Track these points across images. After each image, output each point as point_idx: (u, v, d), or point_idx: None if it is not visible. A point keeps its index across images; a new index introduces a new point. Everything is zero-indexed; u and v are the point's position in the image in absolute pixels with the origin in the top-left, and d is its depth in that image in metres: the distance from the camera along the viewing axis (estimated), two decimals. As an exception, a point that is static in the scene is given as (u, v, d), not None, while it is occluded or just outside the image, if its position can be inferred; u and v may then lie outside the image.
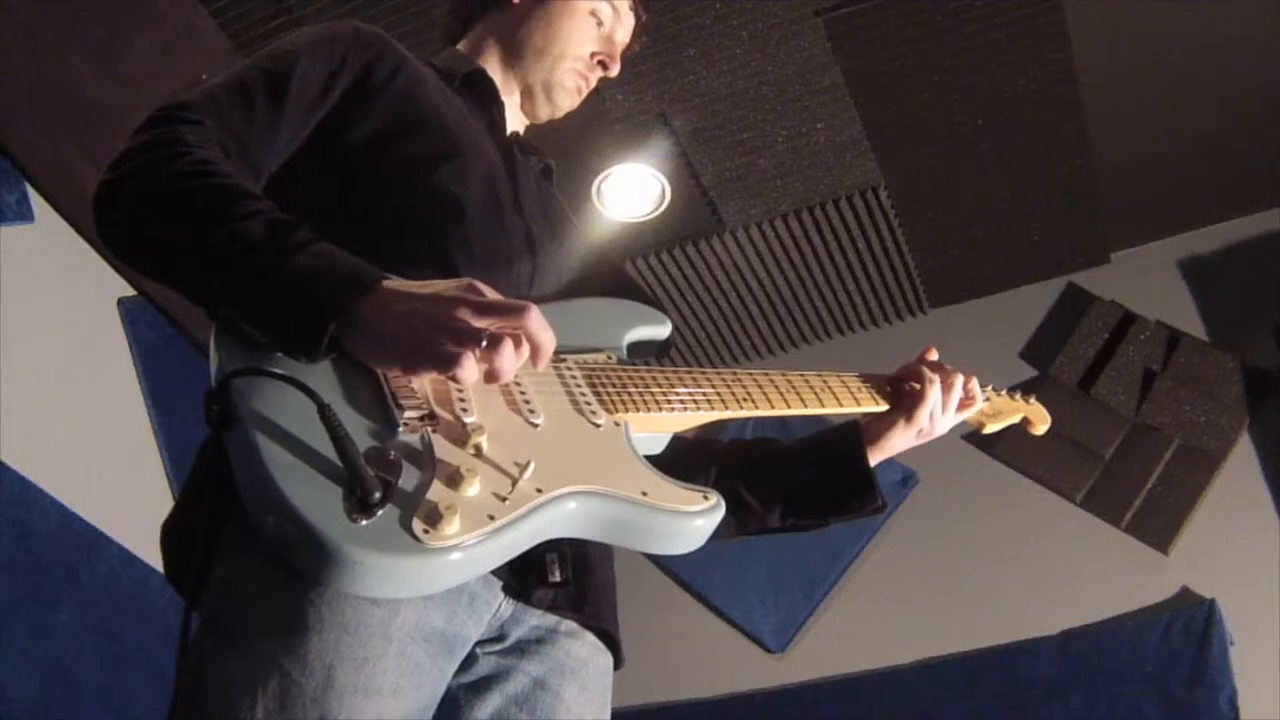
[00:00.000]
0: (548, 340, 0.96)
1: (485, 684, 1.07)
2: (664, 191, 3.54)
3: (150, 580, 2.77)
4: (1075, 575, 3.44)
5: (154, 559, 2.76)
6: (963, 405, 1.42)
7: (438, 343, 0.92)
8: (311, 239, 0.98)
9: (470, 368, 0.91)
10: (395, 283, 0.97)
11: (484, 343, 0.92)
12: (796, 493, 1.38)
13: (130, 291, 3.17)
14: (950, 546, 3.65)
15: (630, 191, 3.55)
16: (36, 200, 2.87)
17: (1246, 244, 3.75)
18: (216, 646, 0.95)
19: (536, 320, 0.95)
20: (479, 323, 0.93)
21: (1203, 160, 3.53)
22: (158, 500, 2.93)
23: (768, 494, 1.37)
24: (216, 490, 0.98)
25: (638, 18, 1.53)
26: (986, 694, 3.33)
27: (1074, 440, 3.61)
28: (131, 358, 3.11)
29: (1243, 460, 3.46)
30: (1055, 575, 3.46)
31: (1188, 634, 3.16)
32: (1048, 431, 1.62)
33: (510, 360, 0.93)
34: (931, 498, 3.70)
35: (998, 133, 3.40)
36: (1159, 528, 3.44)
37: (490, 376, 0.93)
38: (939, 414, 1.38)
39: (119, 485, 2.89)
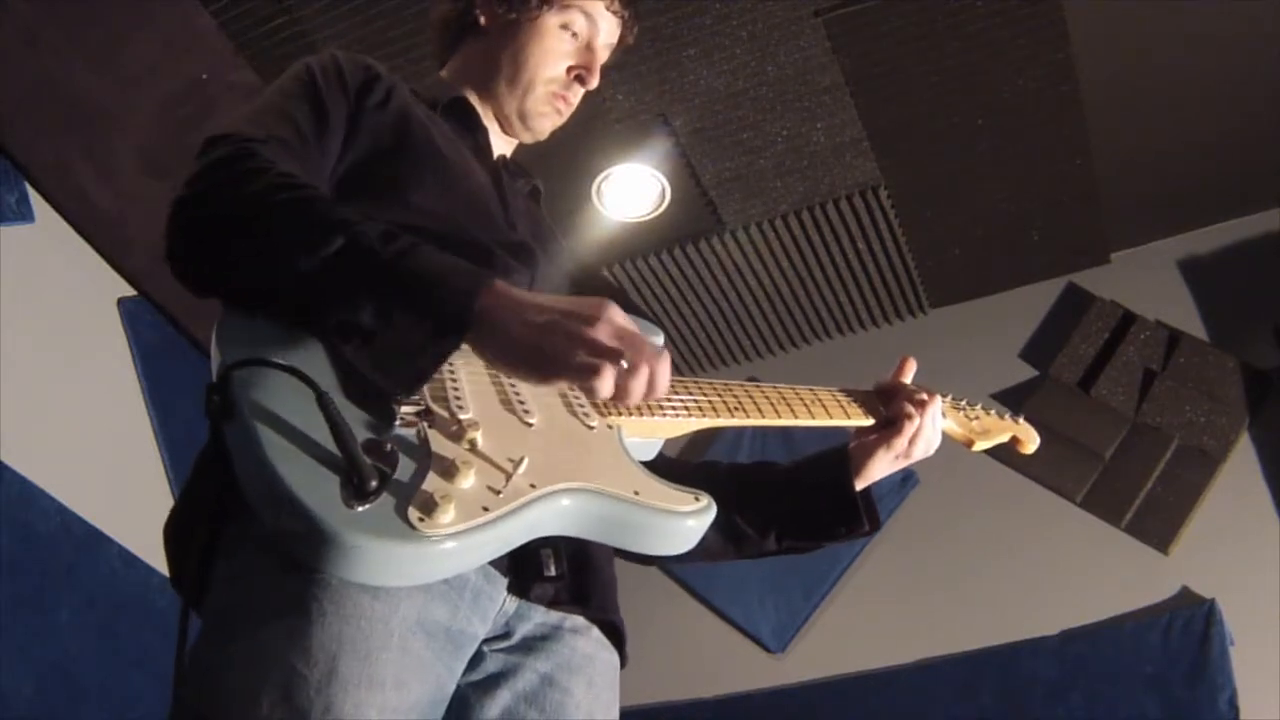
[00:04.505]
0: (664, 383, 0.99)
1: (494, 681, 1.08)
2: (664, 191, 3.54)
3: (150, 580, 2.77)
4: (1075, 575, 3.44)
5: (154, 559, 2.78)
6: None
7: (574, 354, 0.95)
8: (415, 241, 1.00)
9: (608, 381, 0.94)
10: (514, 289, 0.99)
11: (623, 364, 0.95)
12: (788, 519, 1.43)
13: (130, 291, 3.17)
14: (950, 546, 3.65)
15: (630, 191, 3.55)
16: (36, 200, 2.87)
17: (1246, 244, 3.75)
18: (220, 641, 0.97)
19: (664, 360, 0.99)
20: (614, 344, 0.96)
21: (1203, 160, 3.53)
22: (158, 500, 2.93)
23: (762, 520, 1.41)
24: (216, 492, 0.98)
25: (620, 16, 1.47)
26: (986, 694, 3.33)
27: (1074, 440, 3.60)
28: (131, 358, 3.11)
29: (1243, 460, 3.46)
30: (1055, 575, 3.46)
31: (1188, 634, 3.16)
32: (1046, 434, 1.63)
33: (642, 387, 0.97)
34: (931, 498, 3.70)
35: (998, 133, 3.40)
36: (1159, 528, 3.44)
37: (619, 395, 0.96)
38: (917, 442, 1.42)
39: (119, 485, 2.89)
